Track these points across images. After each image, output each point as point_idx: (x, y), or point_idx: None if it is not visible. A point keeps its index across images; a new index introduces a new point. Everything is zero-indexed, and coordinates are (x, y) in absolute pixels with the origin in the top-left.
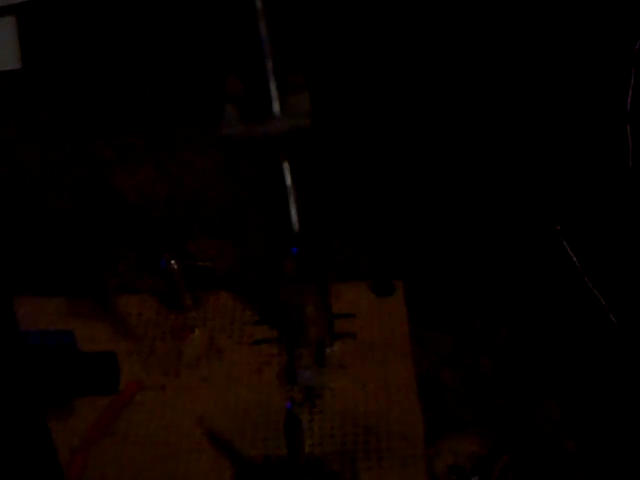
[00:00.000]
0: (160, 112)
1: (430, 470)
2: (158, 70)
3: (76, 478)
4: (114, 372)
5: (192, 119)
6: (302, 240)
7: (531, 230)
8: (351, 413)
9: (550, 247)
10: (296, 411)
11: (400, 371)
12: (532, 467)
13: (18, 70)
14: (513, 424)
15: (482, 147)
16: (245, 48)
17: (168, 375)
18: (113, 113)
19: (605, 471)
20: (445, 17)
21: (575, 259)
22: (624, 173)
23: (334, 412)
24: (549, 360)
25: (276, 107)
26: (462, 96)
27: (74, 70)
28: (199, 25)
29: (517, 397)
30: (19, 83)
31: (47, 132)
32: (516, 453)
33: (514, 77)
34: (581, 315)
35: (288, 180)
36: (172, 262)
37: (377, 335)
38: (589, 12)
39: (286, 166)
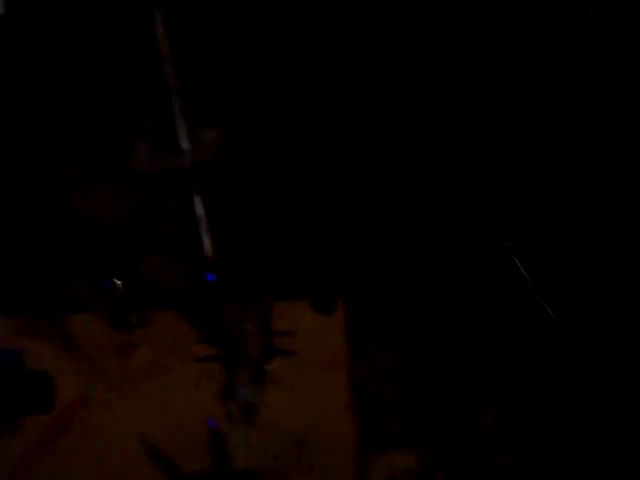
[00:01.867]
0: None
1: None
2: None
3: None
4: (48, 391)
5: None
6: (217, 267)
7: (481, 247)
8: (286, 428)
9: (501, 263)
10: (231, 427)
11: (335, 387)
12: None
13: None
14: (449, 439)
15: (428, 166)
16: (154, 86)
17: (112, 392)
18: (70, 135)
19: None
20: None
21: (526, 275)
22: (567, 190)
23: (270, 427)
24: (488, 375)
25: (184, 142)
26: (407, 116)
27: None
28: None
29: (454, 412)
30: None
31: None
32: (451, 467)
33: (458, 96)
34: (530, 329)
35: (199, 211)
36: (117, 282)
37: (316, 352)
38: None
39: (197, 198)
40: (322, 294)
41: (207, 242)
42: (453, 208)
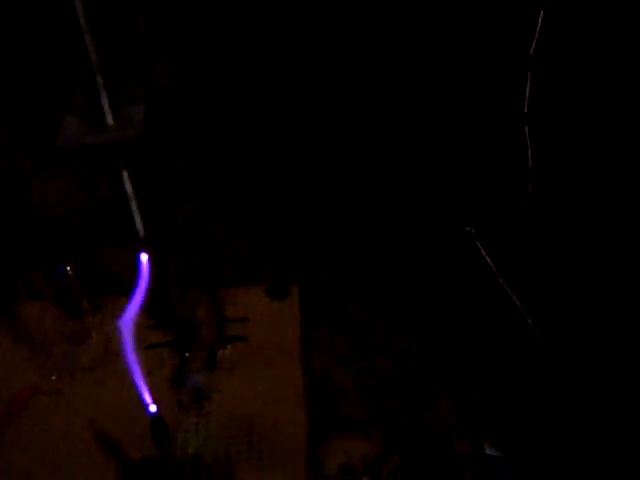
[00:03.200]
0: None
1: (321, 470)
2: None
3: None
4: None
5: None
6: (148, 245)
7: (443, 233)
8: (237, 415)
9: (463, 249)
10: (181, 414)
11: (289, 373)
12: (423, 467)
13: None
14: (405, 425)
15: (388, 149)
16: (80, 63)
17: (63, 379)
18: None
19: (494, 470)
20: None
21: (489, 260)
22: (525, 175)
23: (221, 414)
24: (446, 362)
25: (109, 119)
26: (368, 97)
27: None
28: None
29: (410, 399)
30: None
31: None
32: (407, 453)
33: (420, 80)
34: (494, 315)
35: (128, 188)
36: (67, 269)
37: (269, 338)
38: (485, 18)
39: (125, 175)
40: (276, 280)
41: (138, 220)
42: (414, 192)
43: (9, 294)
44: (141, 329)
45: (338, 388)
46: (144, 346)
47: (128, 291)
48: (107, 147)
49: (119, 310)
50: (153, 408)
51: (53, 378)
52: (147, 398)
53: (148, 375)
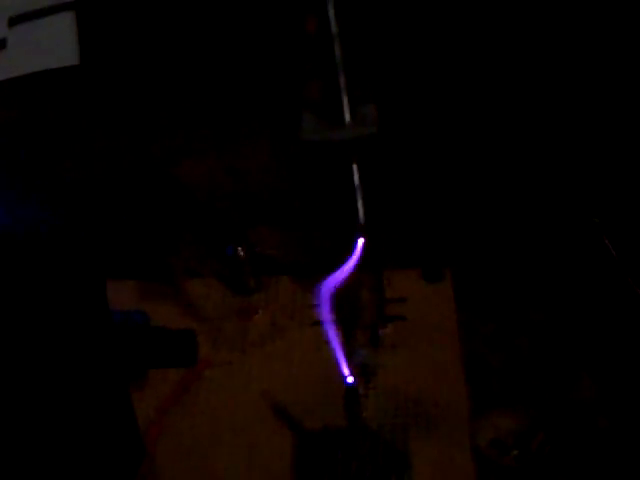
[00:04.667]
0: (227, 107)
1: (473, 443)
2: (227, 67)
3: (152, 444)
4: (193, 347)
5: (256, 116)
6: (366, 231)
7: (571, 222)
8: (402, 389)
9: (589, 239)
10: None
11: (447, 351)
12: (568, 442)
13: (76, 66)
14: (549, 403)
15: (527, 142)
16: (321, 65)
17: (234, 353)
18: (179, 105)
19: (636, 447)
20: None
21: (613, 251)
22: None
23: (387, 388)
24: (585, 343)
25: (347, 116)
26: (512, 96)
27: (137, 65)
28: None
29: (554, 377)
30: (84, 75)
31: (112, 124)
32: (552, 430)
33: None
34: (619, 305)
35: (357, 180)
36: (239, 249)
37: (426, 318)
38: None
39: (355, 168)
40: (431, 264)
41: (361, 209)
42: (544, 185)
43: (168, 272)
44: (305, 307)
45: (487, 367)
46: (309, 323)
47: (284, 271)
48: (346, 142)
49: (282, 289)
50: (350, 379)
51: (221, 350)
52: (344, 368)
53: (317, 350)
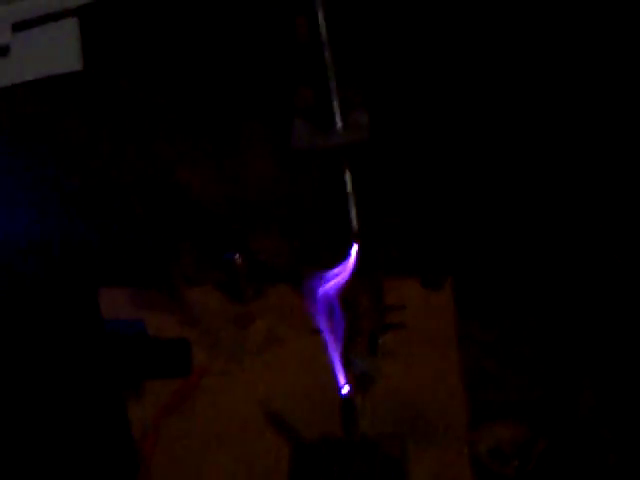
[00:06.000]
0: (225, 115)
1: (473, 453)
2: (226, 75)
3: (148, 453)
4: (187, 356)
5: (255, 123)
6: (360, 238)
7: (572, 230)
8: (401, 398)
9: (591, 248)
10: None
11: (447, 360)
12: (569, 452)
13: (79, 72)
14: (551, 412)
15: (529, 146)
16: (311, 70)
17: (232, 361)
18: (177, 113)
19: (637, 457)
20: None
21: (616, 260)
22: None
23: (385, 397)
24: (586, 352)
25: (339, 122)
26: (507, 99)
27: (136, 70)
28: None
29: (555, 386)
30: (82, 83)
31: (112, 131)
32: (554, 439)
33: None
34: (621, 314)
35: (349, 187)
36: (236, 256)
37: (426, 326)
38: None
39: (347, 175)
40: (431, 271)
41: (354, 216)
42: (543, 192)
43: (166, 279)
44: (304, 316)
45: (488, 375)
46: (308, 331)
47: (285, 280)
48: (338, 149)
49: (280, 297)
50: (346, 390)
51: (219, 358)
52: (341, 379)
53: (315, 359)
